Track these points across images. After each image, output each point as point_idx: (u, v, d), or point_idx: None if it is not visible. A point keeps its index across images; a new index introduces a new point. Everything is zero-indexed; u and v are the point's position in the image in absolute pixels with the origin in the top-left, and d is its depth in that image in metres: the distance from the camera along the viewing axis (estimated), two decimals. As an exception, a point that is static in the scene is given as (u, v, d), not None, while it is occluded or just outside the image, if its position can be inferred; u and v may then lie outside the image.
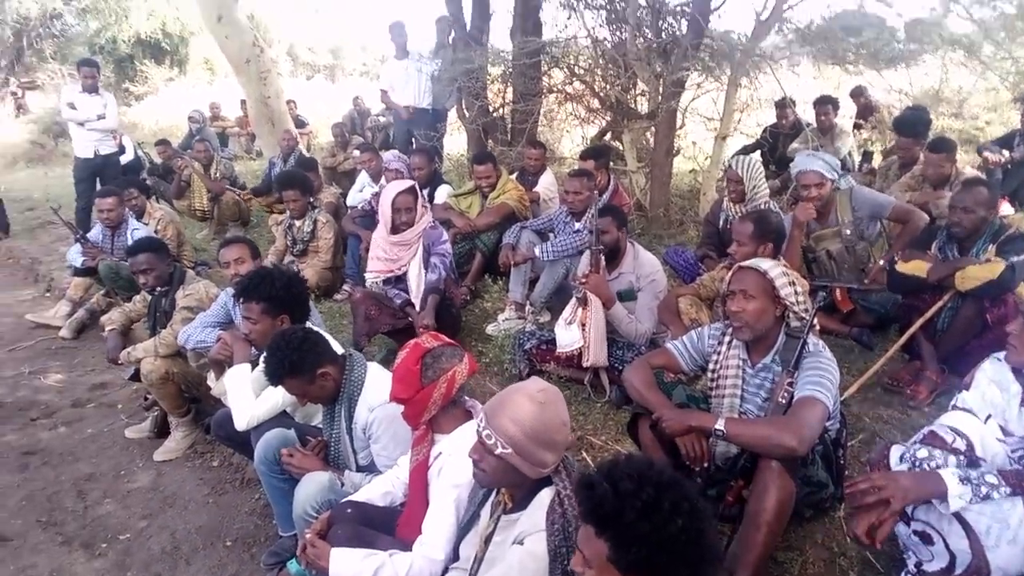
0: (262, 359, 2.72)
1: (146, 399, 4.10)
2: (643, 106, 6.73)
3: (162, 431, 3.94)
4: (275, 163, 8.08)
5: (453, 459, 2.17)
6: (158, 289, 3.90)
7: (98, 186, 7.28)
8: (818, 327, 2.52)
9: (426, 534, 2.13)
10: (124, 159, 8.26)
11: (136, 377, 3.87)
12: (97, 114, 7.42)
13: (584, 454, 3.10)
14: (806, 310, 2.39)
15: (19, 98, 19.63)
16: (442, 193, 5.78)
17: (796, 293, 2.42)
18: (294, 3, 26.63)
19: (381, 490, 2.46)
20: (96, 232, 5.79)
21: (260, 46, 9.49)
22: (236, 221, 7.56)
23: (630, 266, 3.72)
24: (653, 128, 6.49)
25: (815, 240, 4.06)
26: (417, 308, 4.09)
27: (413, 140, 7.88)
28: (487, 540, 1.98)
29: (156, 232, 5.87)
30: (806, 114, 7.27)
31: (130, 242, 5.35)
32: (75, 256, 5.68)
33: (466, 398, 2.36)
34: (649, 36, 6.25)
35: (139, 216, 6.07)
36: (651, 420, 2.46)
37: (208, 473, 3.62)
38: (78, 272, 5.75)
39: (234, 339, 3.11)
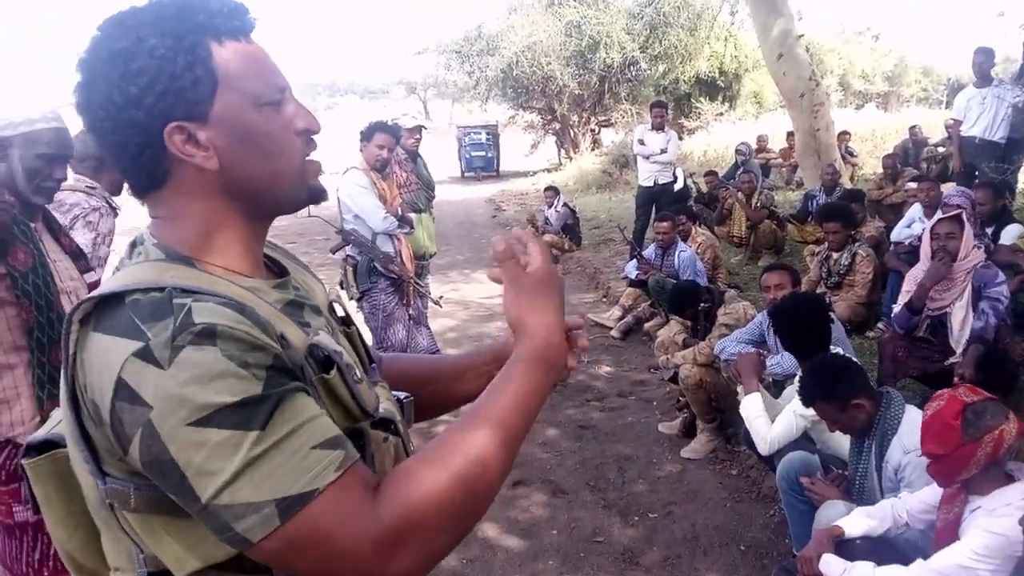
0: (797, 378, 2.85)
1: (679, 401, 4.58)
2: None
3: (689, 432, 4.36)
4: (815, 195, 8.08)
5: (997, 513, 2.00)
6: (700, 305, 4.32)
7: (654, 211, 8.30)
8: None
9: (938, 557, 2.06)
10: (676, 187, 9.21)
11: (673, 380, 4.36)
12: (661, 148, 8.45)
13: None
14: None
15: (596, 134, 23.31)
16: (1010, 233, 5.09)
17: None
18: (852, 31, 25.91)
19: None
20: (650, 251, 6.64)
21: (815, 80, 9.56)
22: (771, 249, 7.80)
23: None
24: None
25: None
26: (958, 354, 3.72)
27: (977, 173, 7.07)
28: None
29: (697, 254, 6.46)
30: None
31: (677, 262, 6.02)
32: (631, 269, 6.61)
33: (1010, 462, 2.14)
34: None
35: (684, 239, 6.75)
36: None
37: (727, 479, 3.89)
38: (632, 283, 6.68)
39: (746, 361, 3.31)
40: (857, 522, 2.41)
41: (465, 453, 0.83)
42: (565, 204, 10.20)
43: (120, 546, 0.86)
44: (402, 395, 1.10)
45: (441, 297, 5.36)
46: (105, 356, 0.78)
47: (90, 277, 2.27)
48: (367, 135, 4.66)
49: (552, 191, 10.34)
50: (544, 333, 0.92)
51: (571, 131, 23.11)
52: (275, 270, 1.02)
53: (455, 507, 0.81)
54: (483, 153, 24.43)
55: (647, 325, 6.40)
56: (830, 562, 2.28)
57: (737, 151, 11.90)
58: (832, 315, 3.50)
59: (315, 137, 0.98)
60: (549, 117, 23.56)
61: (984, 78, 7.09)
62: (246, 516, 0.74)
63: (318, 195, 0.98)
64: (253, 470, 0.74)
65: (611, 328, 6.63)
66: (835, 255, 5.48)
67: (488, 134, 24.58)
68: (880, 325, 5.20)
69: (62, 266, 2.18)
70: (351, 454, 0.80)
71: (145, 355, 0.75)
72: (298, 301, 0.97)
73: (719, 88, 21.33)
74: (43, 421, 1.94)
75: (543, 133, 24.82)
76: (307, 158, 0.96)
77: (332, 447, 0.78)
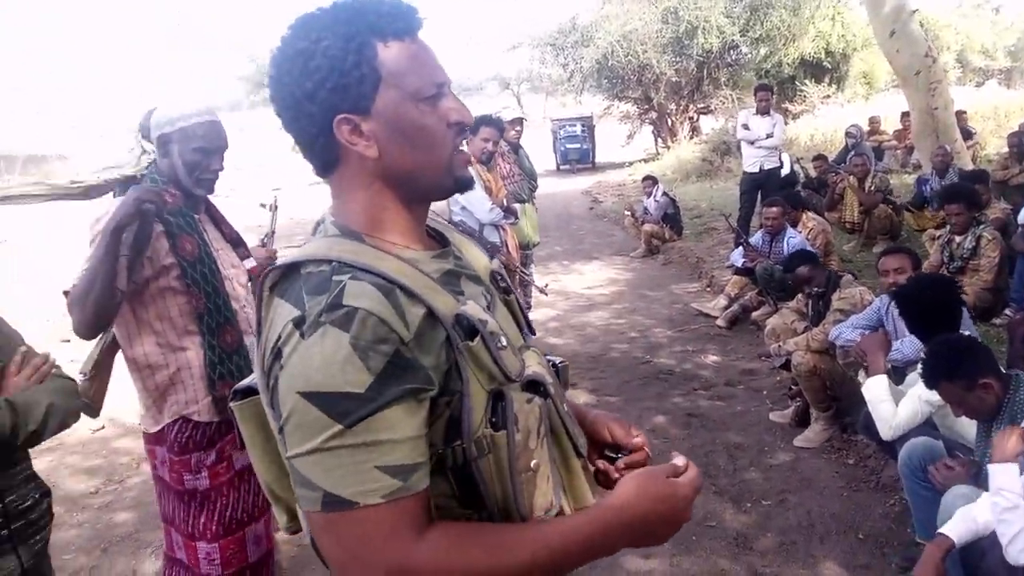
0: (920, 361, 2.76)
1: (791, 389, 4.49)
2: None
3: (802, 420, 4.27)
4: (927, 179, 7.70)
5: None
6: (815, 290, 4.22)
7: (759, 198, 8.11)
8: None
9: None
10: (783, 172, 8.95)
11: (785, 367, 4.28)
12: (767, 132, 8.24)
13: None
14: None
15: (694, 122, 22.88)
16: None
17: None
18: (970, 4, 24.40)
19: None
20: (757, 238, 6.50)
21: (932, 56, 9.09)
22: (886, 235, 7.49)
23: None
24: None
25: None
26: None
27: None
28: None
29: (807, 240, 6.28)
30: None
31: (787, 249, 5.87)
32: (737, 257, 6.50)
33: None
34: None
35: (793, 225, 6.56)
36: None
37: (843, 468, 3.79)
38: (738, 271, 6.56)
39: (871, 342, 3.21)
40: (965, 526, 2.29)
41: (511, 557, 0.91)
42: (665, 193, 10.09)
43: None
44: (557, 359, 1.18)
45: (547, 285, 5.44)
46: (279, 318, 0.92)
47: (248, 263, 2.41)
48: (472, 129, 4.78)
49: (650, 180, 10.25)
50: (634, 503, 0.98)
51: (668, 120, 22.76)
52: (439, 240, 1.11)
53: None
54: (578, 145, 24.39)
55: (755, 314, 6.28)
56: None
57: (847, 134, 11.46)
58: (963, 297, 3.35)
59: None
60: (645, 106, 23.28)
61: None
62: (303, 487, 0.88)
63: (465, 184, 1.07)
64: (323, 457, 0.85)
65: (716, 317, 6.54)
66: (958, 239, 5.23)
67: (583, 126, 24.52)
68: (1008, 311, 4.93)
69: (223, 254, 2.31)
70: (411, 487, 0.88)
71: (298, 323, 0.88)
72: (456, 271, 1.07)
73: (826, 69, 20.48)
74: (216, 401, 2.12)
75: (639, 123, 24.55)
76: (457, 149, 1.04)
77: (395, 475, 0.87)
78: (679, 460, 1.03)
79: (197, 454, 2.18)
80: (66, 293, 2.12)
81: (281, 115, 1.00)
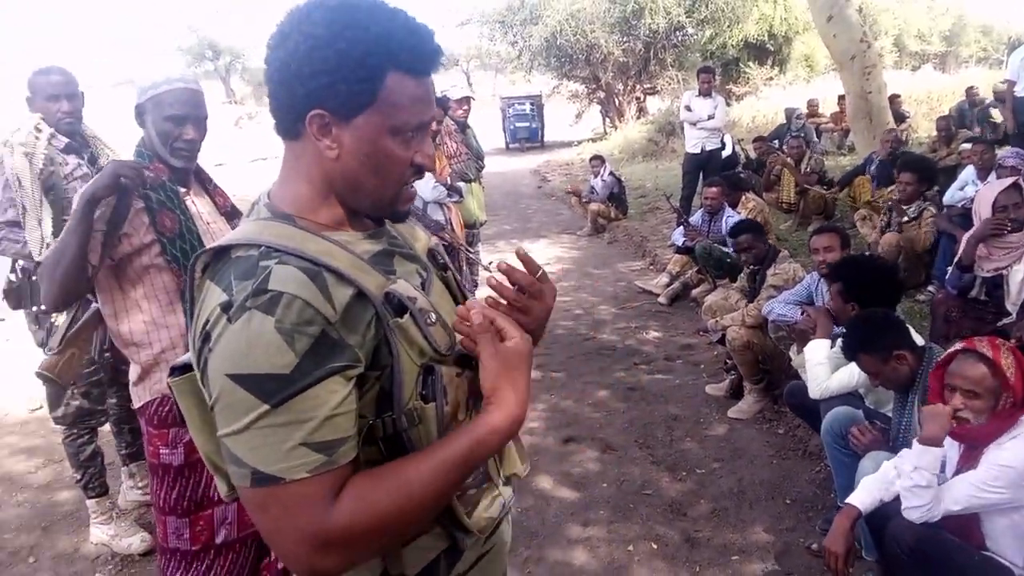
0: (840, 337, 2.92)
1: (726, 363, 4.66)
2: None
3: (736, 393, 4.44)
4: (873, 159, 7.97)
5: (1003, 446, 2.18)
6: (751, 267, 4.38)
7: (701, 179, 8.28)
8: None
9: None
10: (724, 154, 9.15)
11: (721, 342, 4.44)
12: (708, 114, 8.41)
13: None
14: None
15: (641, 102, 23.07)
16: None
17: None
18: (906, -10, 25.09)
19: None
20: (697, 217, 6.66)
21: (867, 41, 9.36)
22: (820, 214, 7.74)
23: None
24: None
25: None
26: (1013, 315, 3.74)
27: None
28: None
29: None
30: None
31: (725, 227, 6.04)
32: (678, 236, 6.65)
33: None
34: None
35: (733, 206, 6.75)
36: None
37: (774, 438, 3.98)
38: (679, 250, 6.72)
39: (819, 314, 3.37)
40: (869, 495, 2.45)
41: (412, 487, 0.94)
42: (611, 173, 10.22)
43: None
44: None
45: (491, 263, 5.49)
46: (209, 301, 0.95)
47: None
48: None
49: (598, 160, 10.36)
50: (515, 407, 1.00)
51: (616, 100, 22.91)
52: (375, 220, 1.14)
53: (388, 530, 0.95)
54: (527, 124, 24.40)
55: (694, 291, 6.46)
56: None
57: (787, 116, 11.73)
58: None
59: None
60: (594, 86, 23.38)
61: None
62: (234, 464, 0.92)
63: (399, 218, 1.12)
64: (251, 435, 0.89)
65: (658, 295, 6.71)
66: (904, 206, 5.46)
67: (532, 105, 24.51)
68: (931, 288, 5.19)
69: (215, 227, 2.24)
70: (335, 460, 0.92)
71: (225, 308, 0.91)
72: (389, 250, 1.11)
73: (768, 52, 20.87)
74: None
75: (588, 102, 24.65)
76: (407, 186, 1.08)
77: (320, 450, 0.91)
78: (476, 317, 1.02)
79: (175, 429, 2.16)
80: (38, 264, 2.10)
81: (267, 69, 1.02)
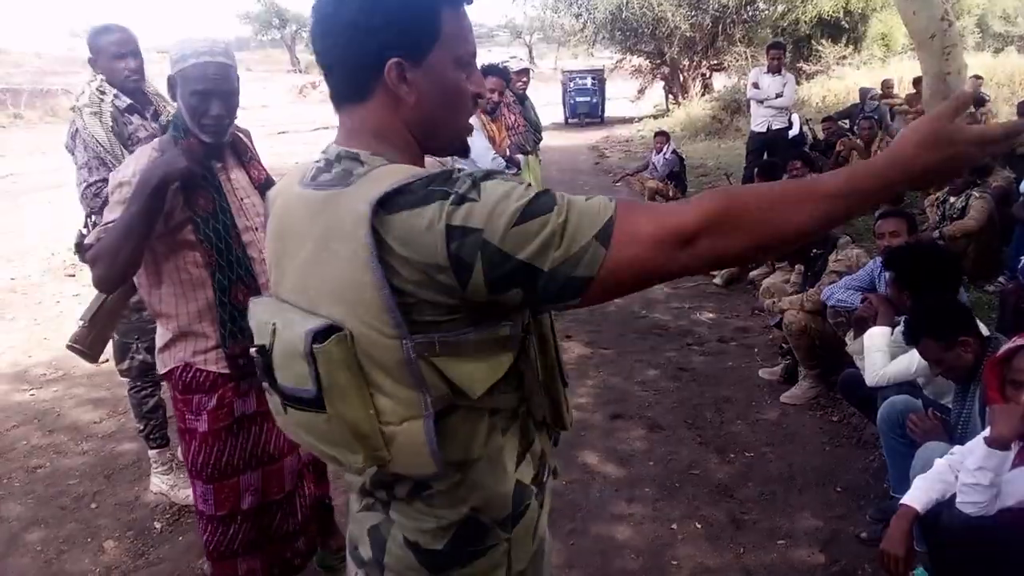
0: (902, 323, 2.83)
1: (781, 348, 4.56)
2: None
3: (790, 378, 4.35)
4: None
5: None
6: (813, 251, 4.27)
7: (766, 158, 8.07)
8: None
9: None
10: (791, 134, 8.90)
11: (778, 326, 4.35)
12: (776, 92, 8.18)
13: None
14: None
15: (707, 78, 22.58)
16: None
17: None
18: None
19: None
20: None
21: (949, 20, 8.91)
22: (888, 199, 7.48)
23: None
24: None
25: None
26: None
27: None
28: None
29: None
30: None
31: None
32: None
33: None
34: None
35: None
36: None
37: (827, 425, 3.89)
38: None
39: (880, 301, 3.27)
40: (925, 495, 2.35)
41: (803, 190, 0.93)
42: (675, 151, 10.04)
43: (409, 397, 1.03)
44: None
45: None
46: (420, 222, 0.93)
47: None
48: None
49: (663, 136, 10.18)
50: (927, 165, 0.91)
51: (680, 75, 22.47)
52: None
53: (756, 215, 0.92)
54: (588, 99, 24.15)
55: (751, 274, 6.34)
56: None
57: (861, 97, 11.32)
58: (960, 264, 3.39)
59: None
60: (658, 61, 22.96)
61: None
62: (582, 258, 0.92)
63: (465, 152, 1.18)
64: (567, 230, 0.92)
65: (714, 276, 6.60)
66: (952, 199, 5.27)
67: (594, 79, 24.23)
68: (1001, 279, 4.99)
69: (249, 202, 2.20)
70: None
71: (460, 201, 0.93)
72: None
73: (843, 29, 20.08)
74: (228, 357, 2.14)
75: (651, 78, 24.24)
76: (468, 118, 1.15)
77: (594, 199, 0.97)
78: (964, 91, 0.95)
79: (199, 396, 2.19)
80: (84, 246, 2.09)
81: (327, 37, 1.06)
